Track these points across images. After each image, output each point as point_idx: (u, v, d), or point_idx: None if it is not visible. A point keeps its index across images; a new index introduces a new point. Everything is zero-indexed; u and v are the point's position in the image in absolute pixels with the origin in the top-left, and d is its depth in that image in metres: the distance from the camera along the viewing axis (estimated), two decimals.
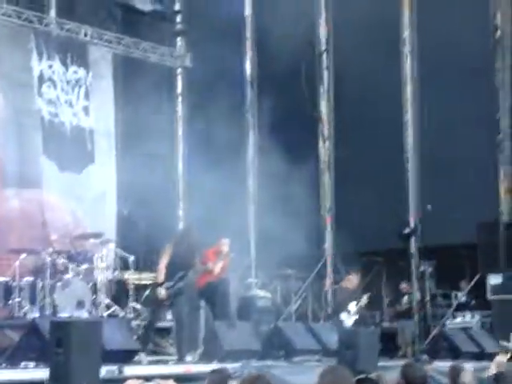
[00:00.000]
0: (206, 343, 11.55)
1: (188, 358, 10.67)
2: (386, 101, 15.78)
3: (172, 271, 10.41)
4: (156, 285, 10.44)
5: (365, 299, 14.43)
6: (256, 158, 17.40)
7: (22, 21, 14.74)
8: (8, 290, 11.26)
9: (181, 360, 10.37)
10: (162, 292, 10.35)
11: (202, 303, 12.49)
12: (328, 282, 16.49)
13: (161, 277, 10.40)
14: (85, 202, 15.57)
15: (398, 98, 16.05)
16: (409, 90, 16.01)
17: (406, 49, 16.12)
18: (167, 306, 10.60)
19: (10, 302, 11.22)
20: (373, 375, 6.05)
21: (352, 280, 14.53)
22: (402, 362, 10.90)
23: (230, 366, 8.75)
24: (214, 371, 5.42)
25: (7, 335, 11.03)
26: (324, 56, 16.92)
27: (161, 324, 11.33)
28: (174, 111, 18.04)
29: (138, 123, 16.19)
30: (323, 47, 16.94)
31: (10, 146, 14.52)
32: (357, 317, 13.91)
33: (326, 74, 16.92)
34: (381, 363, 10.79)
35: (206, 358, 10.68)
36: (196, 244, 10.72)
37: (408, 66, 16.06)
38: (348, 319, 13.89)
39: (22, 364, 8.81)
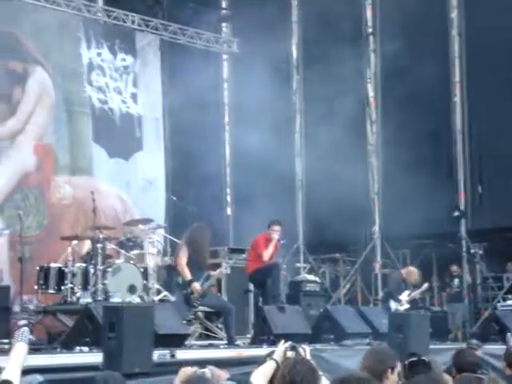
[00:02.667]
0: (255, 327, 11.61)
1: (238, 342, 10.74)
2: (434, 82, 15.63)
3: (191, 270, 10.48)
4: (189, 282, 10.46)
5: (425, 287, 14.40)
6: (303, 143, 17.38)
7: (71, 9, 14.91)
8: (61, 276, 11.39)
9: (231, 344, 10.43)
10: (197, 288, 10.39)
11: (252, 287, 12.55)
12: (377, 265, 16.44)
13: (188, 275, 10.44)
14: (133, 188, 15.72)
15: (445, 80, 15.91)
16: (457, 71, 15.85)
17: (454, 30, 15.95)
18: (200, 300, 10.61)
19: (63, 287, 11.35)
20: (425, 358, 6.03)
21: (413, 273, 14.42)
22: (452, 346, 10.93)
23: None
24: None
25: (61, 320, 11.21)
26: (371, 38, 16.82)
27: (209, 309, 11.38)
28: (221, 97, 18.10)
29: (185, 109, 16.27)
30: (370, 30, 16.84)
31: (62, 133, 14.74)
32: (407, 307, 13.86)
33: (372, 56, 16.82)
34: (431, 346, 10.74)
35: (256, 341, 10.73)
36: (206, 243, 10.74)
37: (456, 47, 15.90)
38: (397, 307, 13.85)
39: (77, 348, 8.94)
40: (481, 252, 15.35)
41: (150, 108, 16.31)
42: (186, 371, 4.93)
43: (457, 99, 15.84)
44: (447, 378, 6.27)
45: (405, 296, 14.08)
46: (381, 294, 15.89)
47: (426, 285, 14.65)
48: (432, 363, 6.00)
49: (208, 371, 4.92)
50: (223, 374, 5.05)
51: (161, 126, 16.54)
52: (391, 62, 16.16)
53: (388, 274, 15.83)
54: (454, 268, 15.43)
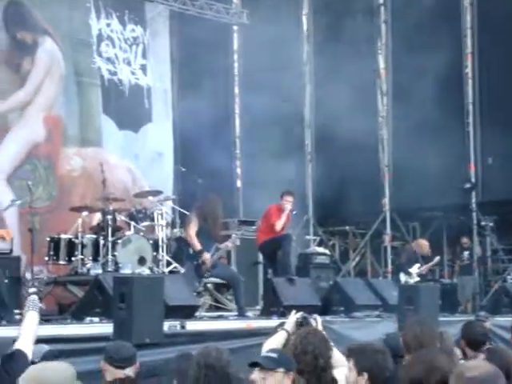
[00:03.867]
0: (265, 299, 11.63)
1: (248, 313, 10.76)
2: (445, 54, 15.48)
3: (202, 240, 10.49)
4: (199, 252, 10.49)
5: (436, 260, 14.42)
6: (314, 114, 17.28)
7: None
8: (71, 247, 11.42)
9: (241, 315, 10.45)
10: (207, 257, 10.42)
11: (262, 259, 12.55)
12: (387, 238, 16.42)
13: (198, 245, 10.46)
14: (142, 160, 15.72)
15: (457, 51, 15.76)
16: (469, 42, 15.71)
17: (466, 0, 15.79)
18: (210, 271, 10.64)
19: (74, 258, 11.39)
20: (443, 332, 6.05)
21: (423, 245, 14.46)
22: (462, 318, 10.94)
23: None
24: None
25: (71, 291, 11.26)
26: (381, 9, 16.67)
27: (220, 280, 11.39)
28: (230, 68, 17.99)
29: (194, 81, 16.20)
30: (380, 0, 16.70)
31: (71, 104, 14.70)
32: (417, 280, 13.89)
33: (383, 27, 16.68)
34: (441, 319, 10.75)
35: (265, 313, 10.76)
36: (218, 214, 10.73)
37: (468, 17, 15.74)
38: (407, 280, 13.88)
39: (87, 319, 8.97)
40: (491, 224, 15.30)
41: (159, 79, 16.26)
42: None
43: (468, 70, 15.71)
44: (456, 350, 6.29)
45: (415, 269, 14.09)
46: (391, 266, 15.90)
47: (437, 258, 14.66)
48: (443, 334, 6.00)
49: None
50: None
51: (169, 97, 16.50)
52: (402, 33, 16.02)
53: (399, 247, 15.81)
54: (465, 240, 15.38)
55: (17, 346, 4.51)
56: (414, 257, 14.35)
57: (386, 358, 4.39)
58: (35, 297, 4.86)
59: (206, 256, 10.41)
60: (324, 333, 4.91)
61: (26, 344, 4.53)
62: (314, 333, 4.72)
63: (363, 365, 4.31)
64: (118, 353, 5.36)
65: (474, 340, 6.44)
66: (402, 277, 13.99)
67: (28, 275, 10.90)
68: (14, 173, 13.63)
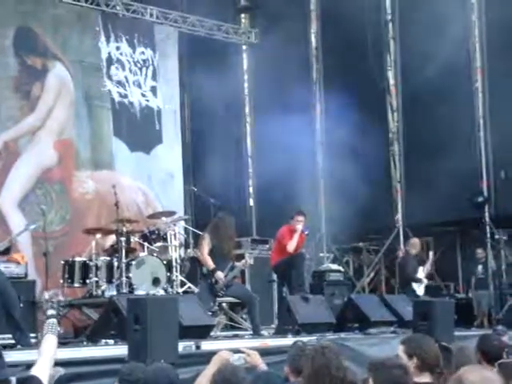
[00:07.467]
0: (280, 317, 11.62)
1: (263, 332, 10.75)
2: (454, 69, 15.50)
3: (215, 260, 10.49)
4: (212, 271, 10.48)
5: (431, 257, 14.43)
6: (324, 131, 17.30)
7: (89, 4, 14.94)
8: (85, 270, 11.45)
9: (256, 334, 10.45)
10: (220, 276, 10.41)
11: (276, 278, 12.55)
12: (401, 253, 16.37)
13: (211, 264, 10.44)
14: (154, 181, 15.77)
15: (466, 65, 15.76)
16: (478, 57, 15.72)
17: (474, 15, 15.80)
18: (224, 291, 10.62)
19: (88, 281, 11.42)
20: (452, 346, 6.01)
21: (416, 244, 14.47)
22: (478, 332, 10.89)
23: (306, 339, 8.80)
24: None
25: (86, 313, 11.28)
26: (390, 26, 16.71)
27: (234, 299, 11.39)
28: (240, 88, 18.08)
29: (204, 101, 16.27)
30: (389, 17, 16.74)
31: (82, 128, 14.79)
32: (426, 282, 13.90)
33: (392, 43, 16.71)
34: (457, 333, 10.70)
35: (280, 331, 10.74)
36: (231, 233, 10.72)
37: (476, 34, 15.75)
38: (419, 287, 13.88)
39: (102, 341, 8.98)
40: (505, 238, 15.25)
41: (169, 100, 16.34)
42: (222, 356, 4.85)
43: (478, 85, 15.70)
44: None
45: (421, 273, 14.09)
46: (398, 280, 15.81)
47: (430, 253, 14.70)
48: (465, 350, 5.96)
49: (241, 358, 4.86)
50: (259, 362, 5.02)
51: (178, 118, 16.57)
52: (411, 48, 16.05)
53: (399, 262, 15.61)
54: (479, 251, 15.27)
55: (33, 371, 4.42)
56: (415, 262, 14.31)
57: (404, 373, 4.37)
58: (54, 320, 4.77)
59: (220, 275, 10.40)
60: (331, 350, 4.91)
61: (42, 369, 4.44)
62: (329, 347, 4.75)
63: (381, 379, 4.31)
64: (132, 374, 5.36)
65: (489, 353, 6.40)
66: (415, 286, 13.96)
67: (45, 297, 10.91)
68: (25, 198, 13.70)
